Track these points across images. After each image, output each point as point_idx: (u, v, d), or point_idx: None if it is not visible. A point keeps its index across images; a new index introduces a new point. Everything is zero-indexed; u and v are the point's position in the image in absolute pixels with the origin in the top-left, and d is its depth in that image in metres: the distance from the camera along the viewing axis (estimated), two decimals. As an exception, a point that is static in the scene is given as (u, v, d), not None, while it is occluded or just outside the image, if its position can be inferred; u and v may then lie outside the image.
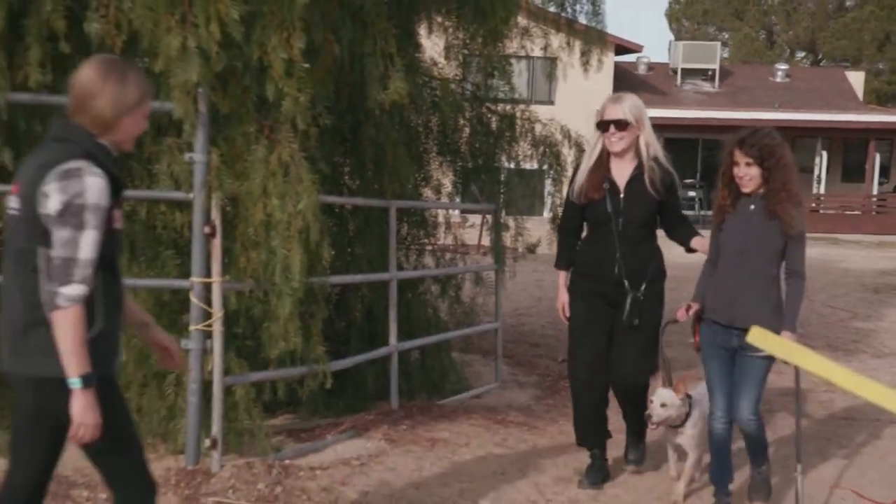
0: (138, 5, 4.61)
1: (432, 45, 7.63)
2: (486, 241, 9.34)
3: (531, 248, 8.67)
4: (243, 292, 5.24)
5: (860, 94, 36.08)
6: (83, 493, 4.76)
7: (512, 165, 7.93)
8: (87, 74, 3.09)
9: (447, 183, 7.93)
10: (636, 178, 5.20)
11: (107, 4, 4.73)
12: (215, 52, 4.61)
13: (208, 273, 5.05)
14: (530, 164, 7.93)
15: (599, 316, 5.29)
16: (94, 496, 4.75)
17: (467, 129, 7.70)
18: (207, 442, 5.12)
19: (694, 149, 31.82)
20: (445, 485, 5.28)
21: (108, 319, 3.11)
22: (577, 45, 7.67)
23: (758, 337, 3.95)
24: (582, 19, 7.67)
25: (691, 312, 4.95)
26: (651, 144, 5.22)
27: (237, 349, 5.38)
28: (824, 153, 31.19)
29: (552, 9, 7.76)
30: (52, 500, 4.26)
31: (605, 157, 5.26)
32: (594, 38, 7.63)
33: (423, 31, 7.52)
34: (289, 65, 4.82)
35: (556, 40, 7.89)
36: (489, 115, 7.71)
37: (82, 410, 2.96)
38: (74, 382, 2.94)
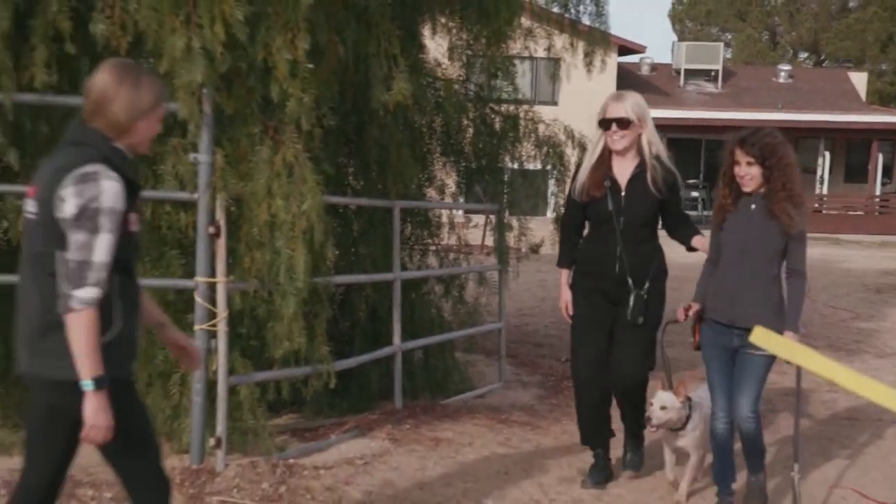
0: (143, 6, 4.62)
1: (436, 45, 7.64)
2: (489, 242, 9.35)
3: (534, 249, 8.69)
4: (248, 292, 5.26)
5: (863, 94, 36.03)
6: (88, 492, 4.78)
7: (515, 166, 7.94)
8: (102, 79, 3.11)
9: (451, 183, 7.94)
10: (638, 177, 5.19)
11: (112, 5, 4.74)
12: (220, 53, 4.62)
13: (213, 273, 5.07)
14: (534, 165, 7.94)
15: (601, 314, 5.28)
16: (99, 495, 4.77)
17: (471, 130, 7.71)
18: (212, 441, 5.14)
19: (697, 149, 31.81)
20: (449, 484, 5.29)
21: (125, 322, 3.13)
22: (581, 46, 7.67)
23: (761, 337, 3.95)
24: (585, 20, 7.66)
25: (691, 313, 4.96)
26: (653, 143, 5.21)
27: (241, 349, 5.40)
28: (827, 154, 31.18)
29: (556, 10, 7.76)
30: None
31: (606, 155, 5.26)
32: (597, 39, 7.63)
33: (426, 31, 7.52)
34: (293, 66, 4.83)
35: (560, 41, 7.90)
36: (493, 116, 7.72)
37: (94, 412, 2.98)
38: (87, 385, 2.96)
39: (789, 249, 4.74)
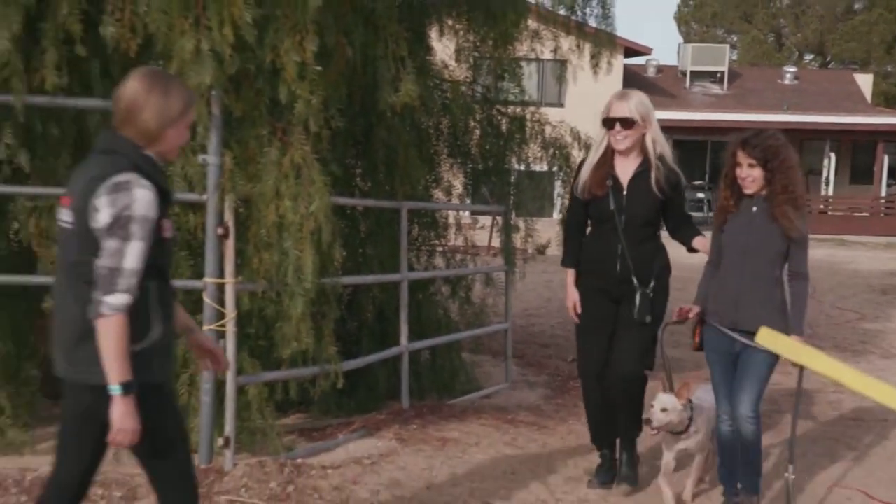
0: (153, 9, 4.65)
1: (443, 47, 7.67)
2: (496, 243, 9.37)
3: (541, 250, 8.70)
4: (256, 293, 5.28)
5: (868, 96, 36.00)
6: (98, 491, 4.79)
7: (522, 167, 7.96)
8: (132, 87, 3.15)
9: (458, 184, 7.96)
10: (640, 176, 5.17)
11: (122, 8, 4.77)
12: (228, 55, 4.65)
13: (221, 274, 5.09)
14: (540, 166, 7.96)
15: (604, 313, 5.27)
16: (109, 494, 4.79)
17: (478, 131, 7.73)
18: (220, 441, 5.15)
19: (703, 151, 31.78)
20: (456, 484, 5.31)
21: (164, 327, 3.18)
22: (587, 48, 7.69)
23: (767, 338, 3.98)
24: (592, 22, 7.67)
25: (692, 315, 4.96)
26: (658, 142, 5.18)
27: (250, 349, 5.42)
28: (832, 155, 31.15)
29: (562, 12, 7.77)
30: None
31: (609, 154, 5.23)
32: (604, 41, 7.65)
33: (434, 34, 7.54)
34: (301, 68, 4.86)
35: (566, 43, 7.91)
36: (499, 118, 7.74)
37: (121, 417, 3.02)
38: (114, 389, 3.00)
39: (791, 252, 4.73)
